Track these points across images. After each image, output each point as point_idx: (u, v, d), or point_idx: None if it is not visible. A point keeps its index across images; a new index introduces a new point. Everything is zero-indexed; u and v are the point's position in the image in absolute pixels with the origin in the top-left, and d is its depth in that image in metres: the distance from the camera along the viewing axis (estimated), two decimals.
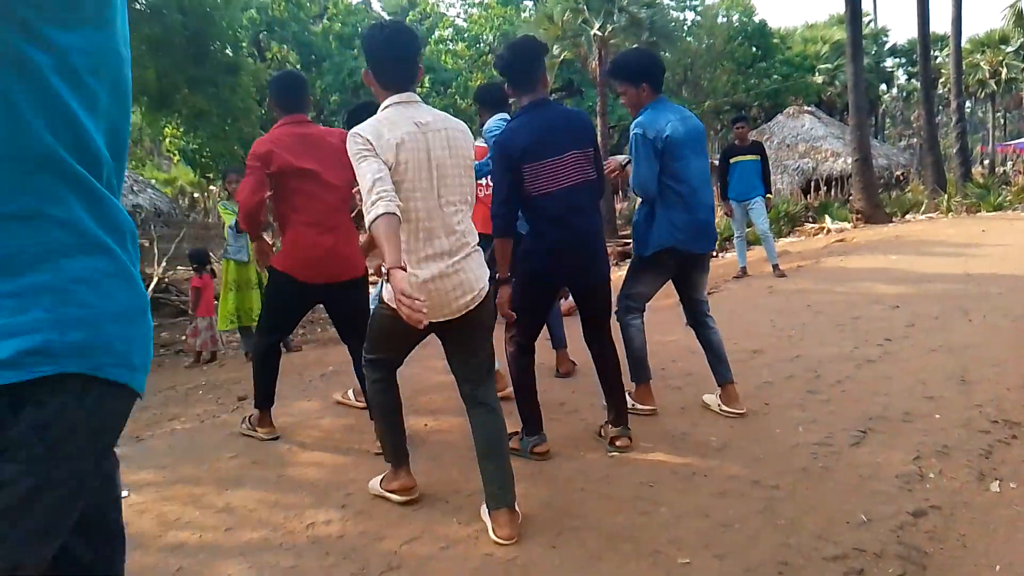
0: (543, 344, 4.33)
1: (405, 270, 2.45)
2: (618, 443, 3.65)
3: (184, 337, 8.66)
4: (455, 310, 2.85)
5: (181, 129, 19.68)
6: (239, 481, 3.55)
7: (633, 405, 4.13)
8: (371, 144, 2.67)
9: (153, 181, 23.86)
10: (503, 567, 2.65)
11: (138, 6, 12.31)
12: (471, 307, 2.88)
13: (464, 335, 2.97)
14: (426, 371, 5.34)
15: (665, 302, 8.61)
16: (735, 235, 9.66)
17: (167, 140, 25.80)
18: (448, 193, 2.82)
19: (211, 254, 9.78)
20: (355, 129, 2.74)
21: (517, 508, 2.91)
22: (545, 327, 4.30)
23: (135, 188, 19.61)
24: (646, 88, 4.00)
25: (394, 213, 2.50)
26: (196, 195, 29.23)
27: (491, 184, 3.79)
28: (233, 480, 3.56)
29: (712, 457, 3.52)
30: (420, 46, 3.11)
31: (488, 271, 2.99)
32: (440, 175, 2.80)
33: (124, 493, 3.43)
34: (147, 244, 15.52)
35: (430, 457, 3.67)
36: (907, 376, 4.63)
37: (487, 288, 2.95)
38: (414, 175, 2.74)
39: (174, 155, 28.40)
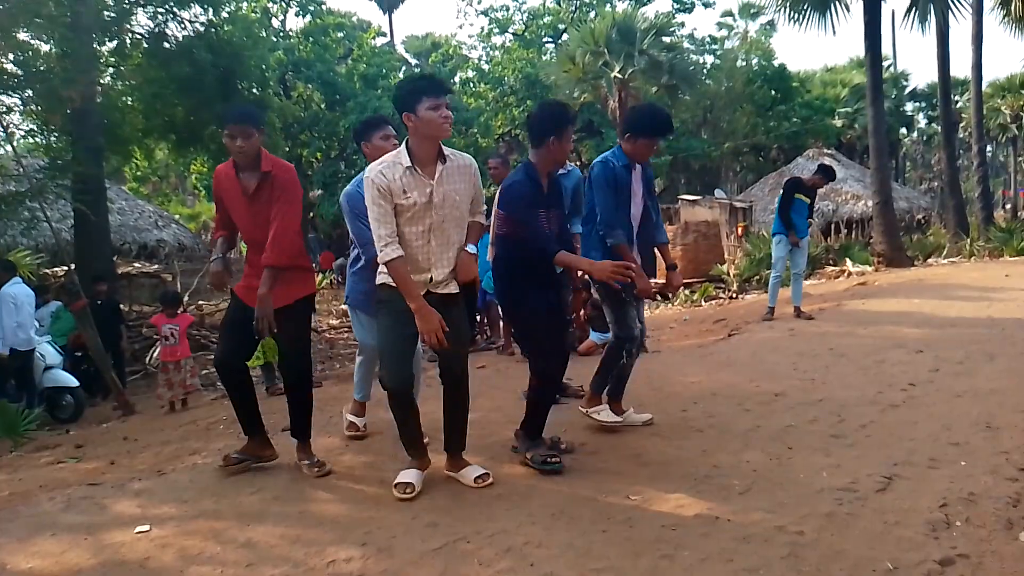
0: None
1: None
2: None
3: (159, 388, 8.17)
4: None
5: (207, 165, 19.98)
6: (260, 516, 3.55)
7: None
8: None
9: (177, 216, 24.14)
10: None
11: (167, 45, 12.58)
12: None
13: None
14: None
15: (686, 343, 8.61)
16: (774, 274, 9.34)
17: (192, 176, 26.22)
18: None
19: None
20: None
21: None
22: None
23: (159, 223, 19.83)
24: None
25: None
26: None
27: None
28: (254, 515, 3.56)
29: (735, 501, 3.49)
30: None
31: None
32: None
33: (146, 527, 3.45)
34: (170, 278, 15.72)
35: (451, 495, 3.66)
36: (932, 421, 4.57)
37: None
38: None
39: (199, 191, 28.81)
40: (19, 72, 10.21)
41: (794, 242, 8.89)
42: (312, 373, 4.35)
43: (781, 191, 9.39)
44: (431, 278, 3.61)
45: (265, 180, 3.95)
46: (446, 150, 3.61)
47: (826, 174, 9.25)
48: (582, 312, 7.91)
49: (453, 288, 3.70)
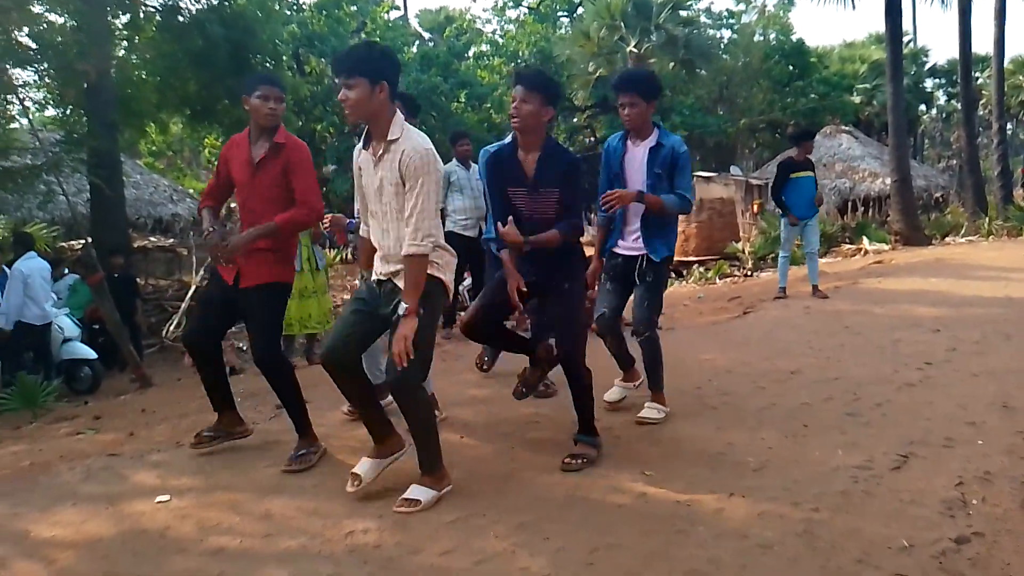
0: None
1: None
2: None
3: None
4: None
5: (221, 140, 19.98)
6: (278, 489, 3.58)
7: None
8: None
9: (192, 191, 24.19)
10: None
11: (181, 19, 12.54)
12: None
13: None
14: (456, 385, 5.37)
15: (700, 320, 8.59)
16: (782, 254, 9.31)
17: (206, 151, 26.21)
18: None
19: None
20: None
21: None
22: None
23: (174, 197, 19.86)
24: (654, 105, 4.08)
25: None
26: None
27: None
28: (271, 488, 3.60)
29: (750, 478, 3.50)
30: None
31: None
32: None
33: (166, 497, 3.50)
34: (185, 253, 15.79)
35: (466, 471, 3.68)
36: (948, 401, 4.56)
37: None
38: None
39: (213, 165, 28.80)
40: (34, 45, 10.22)
41: (793, 221, 8.85)
42: (283, 365, 4.10)
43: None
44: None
45: (274, 152, 3.88)
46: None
47: (799, 137, 9.19)
48: (595, 290, 7.89)
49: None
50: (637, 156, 4.28)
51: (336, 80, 3.29)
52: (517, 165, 3.76)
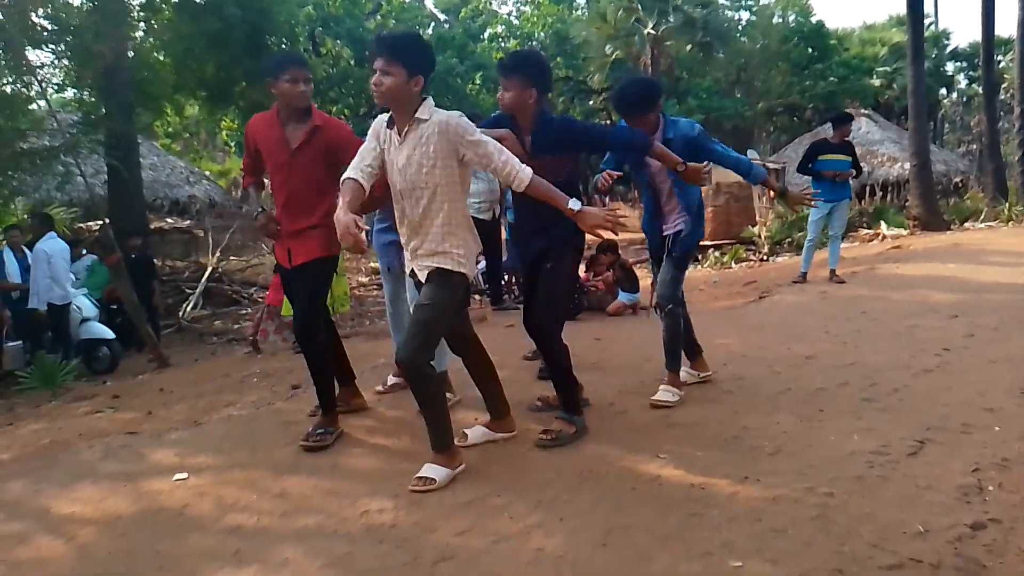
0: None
1: None
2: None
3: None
4: None
5: (237, 122, 20.01)
6: (294, 468, 3.62)
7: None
8: None
9: (208, 173, 24.30)
10: (553, 563, 2.67)
11: (198, 1, 12.55)
12: None
13: None
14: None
15: (716, 305, 8.56)
16: (809, 238, 9.18)
17: (223, 132, 26.28)
18: None
19: None
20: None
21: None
22: None
23: (191, 179, 19.97)
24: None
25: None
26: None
27: None
28: (288, 466, 3.63)
29: (764, 462, 3.49)
30: None
31: None
32: None
33: (183, 476, 3.54)
34: (201, 234, 15.88)
35: (480, 451, 3.70)
36: (966, 387, 4.53)
37: None
38: None
39: (230, 146, 28.91)
40: (50, 27, 10.27)
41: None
42: (318, 338, 4.03)
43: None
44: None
45: (315, 135, 3.86)
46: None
47: (838, 120, 9.16)
48: (610, 273, 7.90)
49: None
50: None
51: (373, 60, 3.27)
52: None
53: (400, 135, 3.33)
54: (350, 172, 3.30)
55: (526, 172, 3.26)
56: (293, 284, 4.06)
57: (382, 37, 3.40)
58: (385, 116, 3.43)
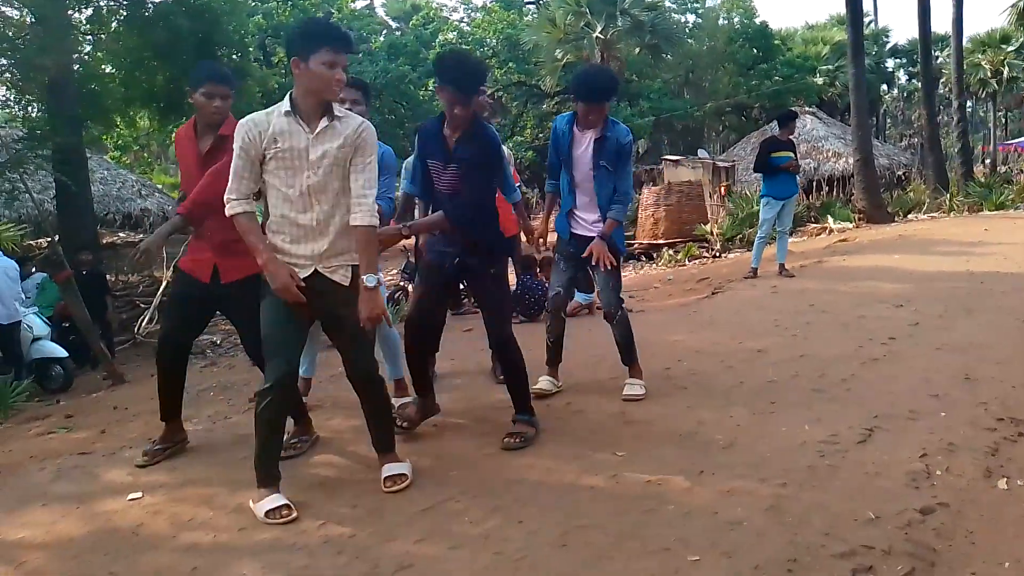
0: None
1: None
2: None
3: None
4: None
5: None
6: (250, 482, 3.55)
7: None
8: None
9: (160, 185, 23.90)
10: (512, 565, 2.68)
11: (145, 12, 12.34)
12: None
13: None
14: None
15: (669, 302, 8.66)
16: (760, 235, 9.27)
17: (174, 145, 25.86)
18: None
19: None
20: None
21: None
22: None
23: (143, 192, 19.60)
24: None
25: None
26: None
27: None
28: (245, 481, 3.56)
29: (719, 455, 3.55)
30: None
31: None
32: None
33: (138, 495, 3.48)
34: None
35: (440, 457, 3.71)
36: (912, 375, 4.65)
37: None
38: None
39: None
40: None
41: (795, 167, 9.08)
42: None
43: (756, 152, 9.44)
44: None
45: (221, 143, 3.75)
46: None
47: (785, 118, 9.41)
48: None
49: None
50: (583, 144, 4.34)
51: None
52: (442, 141, 3.76)
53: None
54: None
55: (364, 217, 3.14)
56: (220, 303, 3.93)
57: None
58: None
